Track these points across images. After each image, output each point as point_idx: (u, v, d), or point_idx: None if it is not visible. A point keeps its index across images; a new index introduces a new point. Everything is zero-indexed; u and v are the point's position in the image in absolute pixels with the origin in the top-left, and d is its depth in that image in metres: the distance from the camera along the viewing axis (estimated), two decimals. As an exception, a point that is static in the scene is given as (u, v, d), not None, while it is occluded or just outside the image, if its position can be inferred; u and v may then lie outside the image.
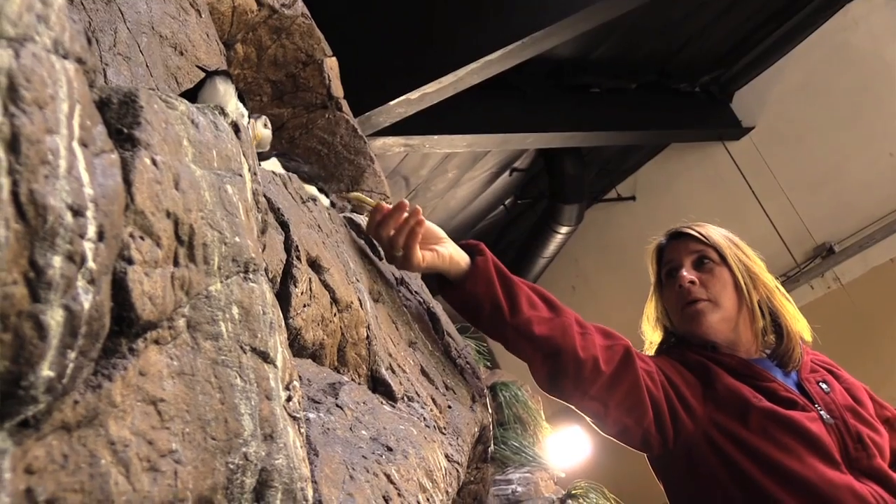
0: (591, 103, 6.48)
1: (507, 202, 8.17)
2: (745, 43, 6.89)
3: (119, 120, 0.61)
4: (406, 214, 1.40)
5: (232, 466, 0.60)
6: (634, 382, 1.48)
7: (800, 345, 1.68)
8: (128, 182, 0.57)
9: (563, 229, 7.53)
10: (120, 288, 0.55)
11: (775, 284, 1.73)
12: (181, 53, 1.61)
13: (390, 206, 1.43)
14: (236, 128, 0.80)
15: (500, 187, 7.71)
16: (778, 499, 1.44)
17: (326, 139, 2.42)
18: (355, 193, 1.61)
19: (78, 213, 0.49)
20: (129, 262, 0.56)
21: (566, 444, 4.75)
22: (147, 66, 1.52)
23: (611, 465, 4.72)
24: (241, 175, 0.72)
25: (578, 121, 6.28)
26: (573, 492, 3.84)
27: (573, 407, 1.53)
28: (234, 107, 1.27)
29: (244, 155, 0.79)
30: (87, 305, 0.49)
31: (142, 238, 0.57)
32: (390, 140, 5.12)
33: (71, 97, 0.52)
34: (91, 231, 0.50)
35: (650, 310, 1.83)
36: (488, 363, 4.00)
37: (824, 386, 1.64)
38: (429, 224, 1.47)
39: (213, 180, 0.67)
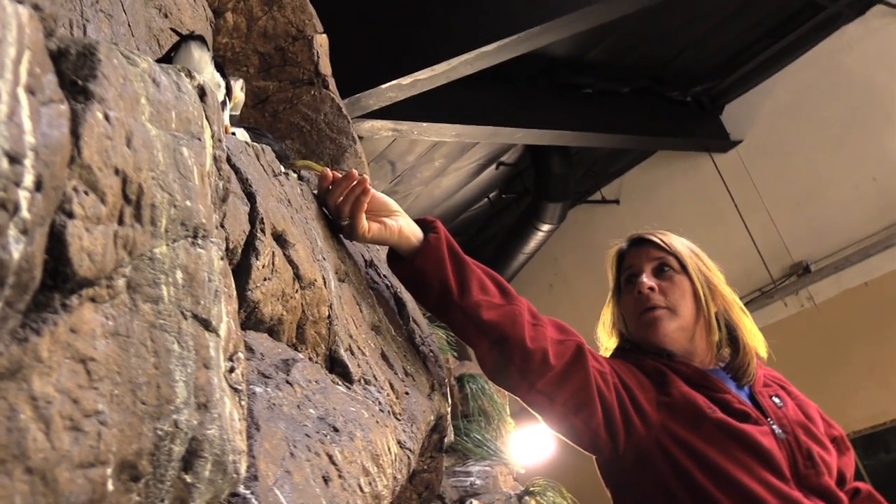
0: (583, 103, 6.48)
1: (491, 195, 8.16)
2: (740, 56, 6.91)
3: (75, 71, 0.59)
4: (353, 183, 1.37)
5: (160, 433, 0.59)
6: (584, 381, 1.46)
7: (755, 360, 1.68)
8: (76, 135, 0.56)
9: (545, 227, 7.53)
10: (58, 241, 0.53)
11: (734, 298, 1.73)
12: (166, 16, 1.59)
13: (338, 174, 1.42)
14: (202, 91, 0.78)
15: (485, 180, 7.71)
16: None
17: (310, 116, 2.40)
18: (302, 161, 1.59)
19: (15, 160, 0.48)
20: (70, 216, 0.54)
21: (529, 442, 4.77)
22: (129, 25, 1.50)
23: (572, 466, 4.73)
24: (199, 139, 0.71)
25: (568, 120, 6.28)
26: (531, 489, 3.85)
27: (519, 399, 1.52)
28: (210, 75, 1.25)
29: (208, 120, 0.77)
30: (16, 255, 0.47)
31: (86, 193, 0.56)
32: (378, 123, 5.10)
33: (20, 42, 0.51)
34: (28, 180, 0.49)
35: (607, 315, 1.82)
36: (456, 353, 4.00)
37: (777, 401, 1.64)
38: (381, 195, 1.45)
39: (168, 141, 0.66)
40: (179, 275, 0.63)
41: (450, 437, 1.91)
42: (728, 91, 7.39)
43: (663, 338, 1.67)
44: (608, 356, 1.79)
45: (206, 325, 0.66)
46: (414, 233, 1.46)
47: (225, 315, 0.71)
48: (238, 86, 1.49)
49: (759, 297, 6.96)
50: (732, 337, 1.70)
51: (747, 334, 1.70)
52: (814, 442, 1.58)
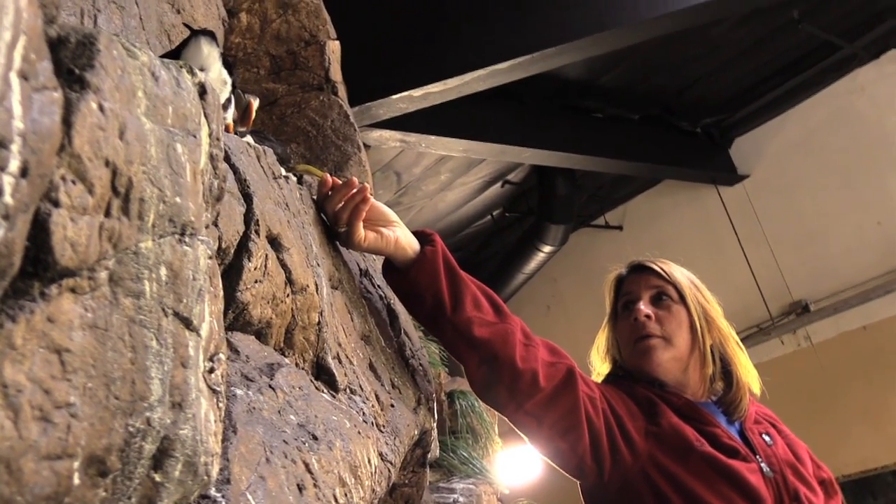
0: (592, 128, 6.49)
1: (495, 213, 8.16)
2: (752, 92, 6.92)
3: (73, 60, 0.59)
4: (353, 191, 1.37)
5: (132, 429, 0.58)
6: (573, 405, 1.45)
7: (747, 395, 1.67)
8: (68, 123, 0.55)
9: (547, 248, 7.53)
10: (41, 229, 0.53)
11: (730, 332, 1.72)
12: (178, 11, 1.59)
13: (338, 181, 1.41)
14: (203, 89, 0.78)
15: (490, 197, 7.71)
16: None
17: (317, 121, 2.40)
18: (303, 165, 1.58)
19: (1, 144, 0.47)
20: (56, 204, 0.54)
21: (516, 462, 4.74)
22: (141, 18, 1.50)
23: (557, 489, 4.71)
24: (195, 136, 0.70)
25: (577, 143, 6.29)
26: (514, 509, 3.83)
27: (506, 419, 1.51)
28: (217, 72, 1.25)
29: (206, 117, 0.77)
30: (-5, 240, 0.47)
31: (73, 182, 0.55)
32: (387, 133, 5.11)
33: (16, 27, 0.50)
34: (13, 165, 0.48)
35: (601, 340, 1.81)
36: (448, 369, 3.98)
37: (767, 438, 1.63)
38: (379, 205, 1.45)
39: (163, 136, 0.65)
40: (163, 271, 0.63)
41: (434, 452, 1.90)
42: (738, 125, 7.39)
43: (656, 367, 1.66)
44: (600, 381, 1.78)
45: (187, 323, 0.65)
46: (410, 244, 1.46)
47: (208, 315, 0.70)
48: (256, 104, 1.49)
49: (756, 333, 6.94)
50: (726, 371, 1.69)
51: (741, 369, 1.69)
52: (801, 483, 1.57)
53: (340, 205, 1.39)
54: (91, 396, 0.55)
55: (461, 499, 3.56)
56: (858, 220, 6.53)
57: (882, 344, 6.23)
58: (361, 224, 1.40)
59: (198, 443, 0.65)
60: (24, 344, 0.51)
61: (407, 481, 1.66)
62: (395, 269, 1.47)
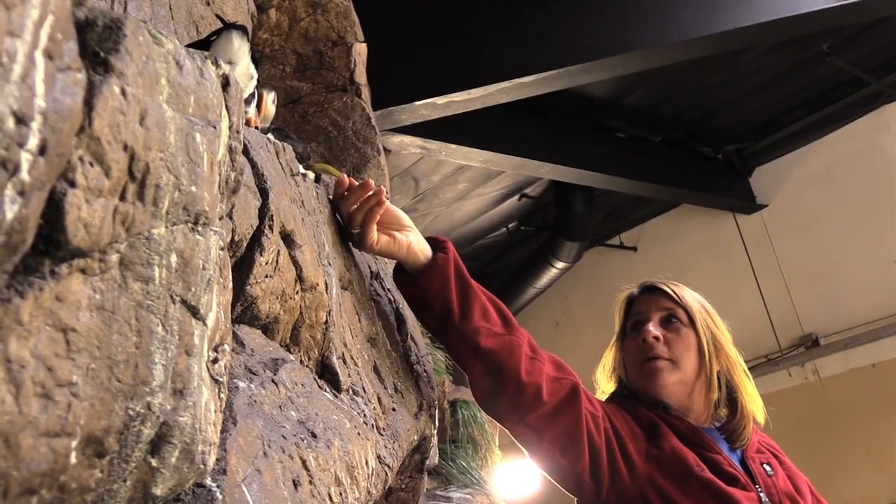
0: (614, 147, 6.48)
1: (510, 225, 8.16)
2: (776, 122, 6.90)
3: (99, 43, 0.60)
4: (369, 193, 1.37)
5: (132, 413, 0.58)
6: (575, 421, 1.45)
7: (751, 424, 1.66)
8: (89, 105, 0.56)
9: (560, 264, 7.51)
10: (56, 209, 0.53)
11: (738, 359, 1.71)
12: (208, 3, 1.60)
13: (355, 182, 1.42)
14: (226, 81, 0.79)
15: (506, 209, 7.71)
16: None
17: (339, 122, 2.41)
18: (321, 164, 1.59)
19: (21, 121, 0.48)
20: (72, 184, 0.54)
21: (514, 475, 4.73)
22: (171, 8, 1.51)
23: (554, 505, 4.70)
24: (215, 127, 0.71)
25: (598, 161, 6.28)
26: (509, 522, 3.82)
27: (507, 431, 1.50)
28: (246, 66, 1.26)
29: (227, 109, 0.77)
30: (9, 215, 0.47)
31: (91, 164, 0.56)
32: (408, 139, 5.12)
33: (44, 6, 0.51)
34: (32, 143, 0.49)
35: (608, 358, 1.81)
36: (452, 377, 3.98)
37: (768, 468, 1.62)
38: (395, 209, 1.45)
39: (183, 125, 0.66)
40: (174, 258, 0.63)
41: (433, 459, 1.89)
42: (760, 154, 7.37)
43: (662, 389, 1.65)
44: (605, 400, 1.77)
45: (194, 312, 0.66)
46: (423, 250, 1.46)
47: (215, 305, 0.70)
48: (270, 98, 1.50)
49: (764, 363, 6.90)
50: (731, 398, 1.68)
51: (747, 397, 1.68)
52: None
53: (355, 206, 1.39)
54: (93, 377, 0.56)
55: (457, 508, 3.56)
56: (874, 258, 6.49)
57: (890, 382, 6.18)
58: (375, 227, 1.40)
59: (196, 431, 0.65)
60: (31, 320, 0.52)
61: (404, 486, 1.66)
62: (406, 274, 1.47)
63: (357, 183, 1.41)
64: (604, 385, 1.82)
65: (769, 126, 6.96)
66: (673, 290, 1.74)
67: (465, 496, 3.71)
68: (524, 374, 1.41)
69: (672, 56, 4.87)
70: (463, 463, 3.86)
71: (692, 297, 1.75)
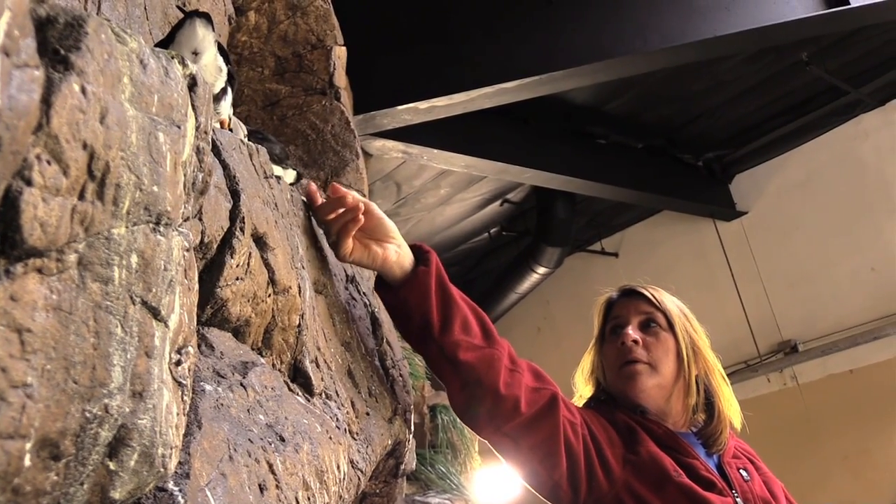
0: (595, 153, 6.50)
1: (492, 231, 8.16)
2: (755, 129, 6.95)
3: (59, 41, 0.59)
4: (342, 210, 1.37)
5: (88, 415, 0.58)
6: (553, 431, 1.44)
7: (728, 429, 1.66)
8: (47, 103, 0.55)
9: (541, 270, 7.52)
10: (11, 207, 0.53)
11: (716, 363, 1.72)
12: (183, 5, 1.59)
13: (339, 190, 1.41)
14: (193, 81, 0.78)
15: (488, 215, 7.71)
16: None
17: (318, 125, 2.40)
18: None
19: (-27, 117, 0.47)
20: (29, 182, 0.54)
21: (494, 481, 4.72)
22: (146, 8, 1.50)
23: (532, 511, 4.70)
24: (179, 127, 0.70)
25: (579, 167, 6.30)
26: (487, 528, 3.83)
27: (485, 441, 1.50)
28: (213, 57, 1.24)
29: (194, 109, 0.77)
30: (-40, 213, 0.47)
31: (48, 163, 0.55)
32: (390, 144, 5.11)
33: (0, 3, 0.50)
34: (-15, 140, 0.48)
35: (587, 362, 1.81)
36: (431, 382, 3.98)
37: (744, 473, 1.63)
38: (380, 216, 1.43)
39: (145, 124, 0.65)
40: (134, 259, 0.62)
41: (410, 464, 1.89)
42: (740, 161, 7.41)
43: (640, 393, 1.65)
44: (583, 405, 1.77)
45: (155, 313, 0.65)
46: (402, 263, 1.44)
47: (178, 307, 0.69)
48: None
49: (743, 369, 6.94)
50: (709, 403, 1.69)
51: (724, 402, 1.69)
52: None
53: (331, 216, 1.38)
54: (49, 379, 0.55)
55: (435, 513, 3.56)
56: (853, 265, 6.54)
57: (868, 389, 6.23)
58: (351, 238, 1.39)
59: (156, 434, 0.64)
60: (-16, 320, 0.51)
61: (378, 491, 1.66)
62: (387, 284, 1.46)
63: (339, 194, 1.40)
64: (582, 389, 1.82)
65: (749, 134, 7.01)
66: (652, 295, 1.74)
67: (444, 501, 3.71)
68: (503, 387, 1.41)
69: (653, 63, 4.89)
70: (442, 468, 3.86)
71: (671, 302, 1.75)
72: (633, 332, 1.69)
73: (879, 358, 6.27)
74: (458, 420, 3.88)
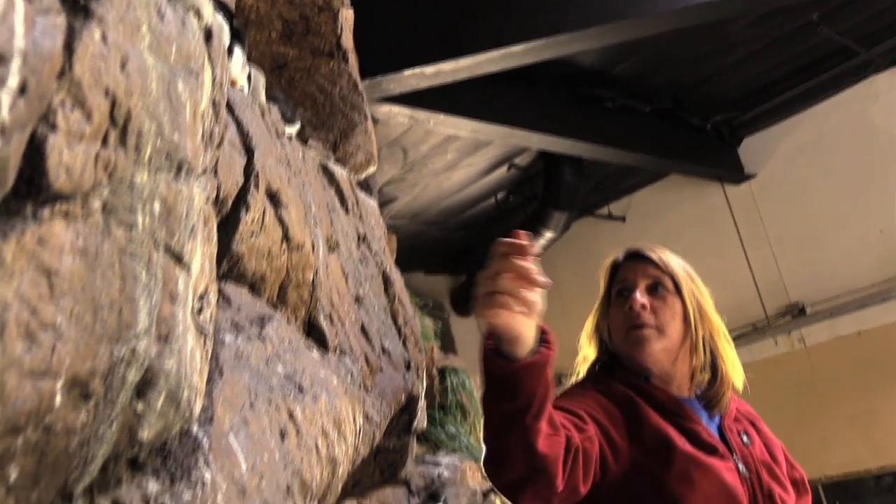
0: (603, 117, 6.46)
1: (498, 196, 8.15)
2: (765, 91, 6.89)
3: (79, -11, 0.59)
4: (531, 276, 1.22)
5: (116, 357, 0.59)
6: (576, 477, 1.40)
7: (730, 391, 1.67)
8: (70, 50, 0.56)
9: (548, 234, 7.52)
10: (37, 152, 0.54)
11: (721, 325, 1.72)
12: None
13: (533, 248, 1.26)
14: (208, 32, 0.78)
15: (495, 179, 7.69)
16: None
17: (326, 88, 2.40)
18: None
19: (1, 59, 0.48)
20: (53, 128, 0.54)
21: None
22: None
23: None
24: (197, 77, 0.71)
25: (586, 131, 6.27)
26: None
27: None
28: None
29: (210, 61, 0.77)
30: (-10, 154, 0.48)
31: (72, 109, 0.56)
32: (396, 109, 5.09)
33: (23, -51, 0.51)
34: (12, 82, 0.49)
35: (591, 323, 1.81)
36: (440, 343, 4.00)
37: (745, 438, 1.64)
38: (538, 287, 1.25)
39: (164, 72, 0.66)
40: (157, 205, 0.63)
41: (421, 422, 1.91)
42: (748, 124, 7.36)
43: (647, 357, 1.66)
44: (585, 368, 1.77)
45: (178, 259, 0.66)
46: (527, 339, 1.28)
47: (199, 254, 0.71)
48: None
49: (751, 331, 6.95)
50: (713, 364, 1.69)
51: (728, 364, 1.69)
52: (776, 482, 1.58)
53: (502, 279, 1.22)
54: (77, 320, 0.56)
55: (446, 472, 3.59)
56: (861, 227, 6.52)
57: (875, 350, 6.23)
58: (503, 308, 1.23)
59: (182, 377, 0.65)
60: (14, 262, 0.52)
61: (392, 446, 1.68)
62: (502, 354, 1.29)
63: (529, 252, 1.25)
64: (586, 349, 1.82)
65: (758, 96, 6.95)
66: (659, 257, 1.73)
67: (454, 461, 3.74)
68: (560, 481, 1.35)
69: (661, 25, 4.85)
70: (452, 429, 3.89)
71: (677, 264, 1.75)
72: (640, 296, 1.68)
73: (888, 319, 6.27)
74: (468, 381, 3.90)
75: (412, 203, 7.60)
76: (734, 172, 7.38)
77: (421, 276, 8.93)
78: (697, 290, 1.72)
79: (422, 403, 1.76)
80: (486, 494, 3.78)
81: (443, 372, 4.11)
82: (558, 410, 1.43)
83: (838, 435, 6.24)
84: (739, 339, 6.27)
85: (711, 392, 1.66)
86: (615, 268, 1.81)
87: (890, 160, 6.42)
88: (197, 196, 0.68)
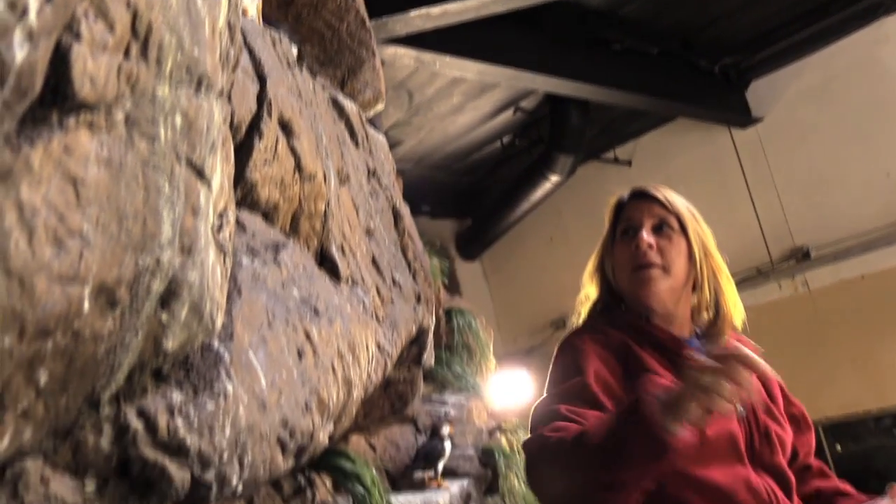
0: (609, 59, 6.39)
1: (504, 139, 8.10)
2: (773, 34, 6.79)
3: None
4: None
5: (141, 266, 0.60)
6: None
7: (729, 329, 1.68)
8: (91, -42, 0.56)
9: (554, 178, 7.49)
10: (62, 61, 0.54)
11: (723, 264, 1.72)
12: None
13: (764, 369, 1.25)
14: (224, -49, 0.78)
15: (500, 123, 7.64)
16: (675, 483, 1.43)
17: (333, 23, 2.38)
18: None
19: (27, -37, 0.48)
20: (77, 37, 0.55)
21: (508, 384, 4.81)
22: None
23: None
24: (215, -7, 0.71)
25: (593, 73, 6.20)
26: (503, 425, 3.91)
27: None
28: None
29: (226, -20, 0.77)
30: (19, 58, 0.48)
31: (95, 19, 0.56)
32: (402, 51, 5.04)
33: None
34: (38, -14, 0.49)
35: (594, 262, 1.81)
36: (447, 283, 4.02)
37: None
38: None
39: (183, -13, 0.66)
40: (179, 119, 0.64)
41: (430, 359, 1.93)
42: (756, 67, 7.27)
43: (653, 296, 1.66)
44: (586, 309, 1.78)
45: (200, 173, 0.67)
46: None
47: (219, 171, 0.71)
48: None
49: (755, 275, 6.96)
50: (715, 303, 1.70)
51: (729, 303, 1.70)
52: (772, 420, 1.59)
53: (722, 384, 1.19)
54: (103, 229, 0.57)
55: (452, 411, 3.64)
56: (867, 171, 6.48)
57: (879, 294, 6.25)
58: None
59: (205, 289, 0.66)
60: (42, 168, 0.53)
61: (402, 378, 1.70)
62: (661, 440, 1.23)
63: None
64: (588, 288, 1.83)
65: (766, 39, 6.86)
66: (665, 197, 1.73)
67: (460, 400, 3.79)
68: None
69: (670, -36, 4.78)
70: (458, 369, 3.93)
71: (682, 204, 1.75)
72: (647, 236, 1.68)
73: (891, 263, 6.27)
74: (474, 322, 3.93)
75: (417, 147, 7.56)
76: (741, 116, 7.32)
77: (426, 220, 8.92)
78: (701, 230, 1.72)
79: (431, 337, 1.78)
80: (491, 432, 3.84)
81: (449, 313, 4.14)
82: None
83: (840, 377, 6.29)
84: (744, 282, 6.30)
85: (712, 331, 1.67)
86: (620, 207, 1.80)
87: (897, 104, 6.37)
88: (217, 112, 0.69)
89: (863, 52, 6.61)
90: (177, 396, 0.67)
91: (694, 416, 1.18)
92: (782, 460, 1.55)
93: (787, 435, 1.63)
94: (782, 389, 1.72)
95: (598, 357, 1.58)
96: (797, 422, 1.71)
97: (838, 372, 6.28)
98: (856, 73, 6.63)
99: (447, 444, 3.22)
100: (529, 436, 1.40)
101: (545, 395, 1.51)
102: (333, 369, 0.94)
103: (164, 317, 0.62)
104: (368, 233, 1.49)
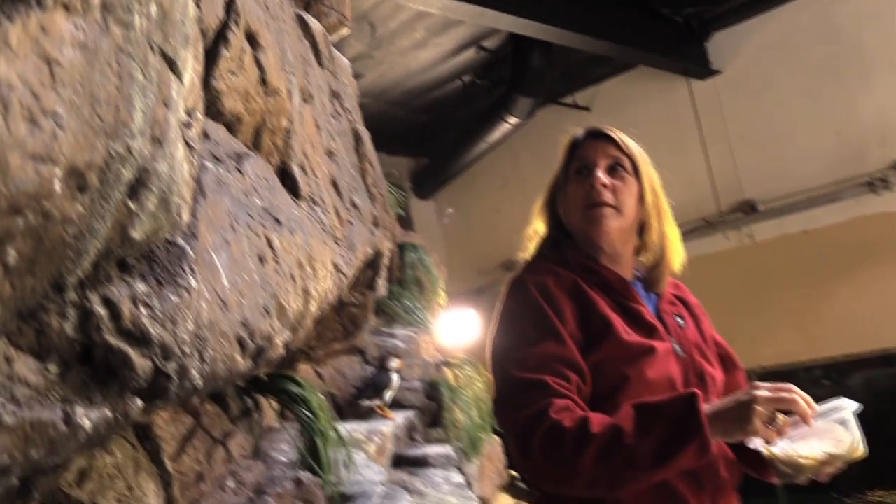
0: (574, 2, 6.37)
1: (465, 78, 8.06)
2: (739, -14, 6.83)
3: None
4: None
5: (112, 152, 0.60)
6: None
7: (669, 273, 1.72)
8: None
9: (513, 120, 7.50)
10: (39, -63, 0.54)
11: (668, 208, 1.76)
12: None
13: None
14: None
15: (462, 61, 7.60)
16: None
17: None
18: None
19: None
20: (55, -86, 0.54)
21: (457, 322, 4.87)
22: None
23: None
24: None
25: (557, 16, 6.18)
26: (450, 360, 3.98)
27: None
28: None
29: None
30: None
31: None
32: (366, -21, 4.97)
33: None
34: None
35: (544, 198, 1.83)
36: (403, 215, 4.04)
37: (680, 321, 1.70)
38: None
39: None
40: (154, 8, 0.64)
41: (383, 283, 1.95)
42: (719, 18, 7.31)
43: (604, 235, 1.68)
44: (534, 245, 1.80)
45: (172, 65, 0.67)
46: None
47: (191, 66, 0.71)
48: None
49: (703, 226, 7.09)
50: (659, 246, 1.73)
51: (671, 246, 1.74)
52: (706, 361, 1.65)
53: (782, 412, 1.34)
54: (77, 112, 0.57)
55: (401, 344, 3.69)
56: (818, 128, 6.61)
57: (820, 249, 6.43)
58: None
59: (172, 182, 0.67)
60: (19, 45, 0.53)
61: (356, 301, 1.72)
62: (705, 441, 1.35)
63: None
64: (537, 224, 1.85)
65: (730, -10, 6.90)
66: (620, 138, 1.75)
67: (409, 334, 3.84)
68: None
69: None
70: (408, 303, 3.97)
71: (635, 146, 1.77)
72: (602, 175, 1.70)
73: (834, 220, 6.44)
74: (427, 258, 3.95)
75: (378, 81, 7.48)
76: (701, 67, 7.37)
77: (383, 156, 8.87)
78: (653, 173, 1.75)
79: (385, 262, 1.80)
80: (438, 366, 3.90)
81: (402, 247, 4.15)
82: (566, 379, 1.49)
83: (777, 328, 6.50)
84: (692, 232, 6.41)
85: (653, 274, 1.71)
86: (575, 145, 1.81)
87: (852, 64, 6.47)
88: (191, 5, 0.69)
89: (822, 10, 6.70)
90: (141, 287, 0.68)
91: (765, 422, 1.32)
92: (715, 399, 1.62)
93: (718, 374, 1.69)
94: (710, 328, 1.78)
95: (561, 303, 1.61)
96: (725, 362, 1.77)
97: (776, 323, 6.48)
98: (814, 30, 6.73)
99: (395, 376, 3.27)
100: (516, 405, 1.43)
101: (510, 335, 1.55)
102: (293, 278, 0.96)
103: (132, 205, 0.63)
104: (329, 154, 1.49)
